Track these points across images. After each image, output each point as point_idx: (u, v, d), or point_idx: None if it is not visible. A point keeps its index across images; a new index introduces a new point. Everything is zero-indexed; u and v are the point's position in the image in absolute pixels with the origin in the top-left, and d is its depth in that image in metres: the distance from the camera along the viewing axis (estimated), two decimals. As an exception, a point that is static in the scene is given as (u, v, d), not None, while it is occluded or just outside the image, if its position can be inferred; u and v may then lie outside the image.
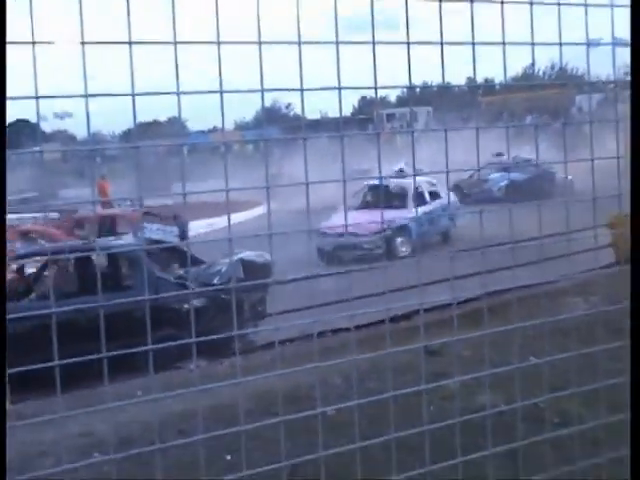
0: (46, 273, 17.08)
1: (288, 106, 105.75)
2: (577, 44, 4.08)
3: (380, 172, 4.08)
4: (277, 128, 77.71)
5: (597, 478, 4.36)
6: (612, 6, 3.96)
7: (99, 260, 16.38)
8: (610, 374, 4.47)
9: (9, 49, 2.75)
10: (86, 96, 2.84)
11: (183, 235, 21.21)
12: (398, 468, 3.82)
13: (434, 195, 33.77)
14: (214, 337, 3.57)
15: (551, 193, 35.18)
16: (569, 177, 27.83)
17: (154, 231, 19.02)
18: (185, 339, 3.56)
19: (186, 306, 14.39)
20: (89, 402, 4.03)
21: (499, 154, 30.86)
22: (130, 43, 2.88)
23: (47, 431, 6.37)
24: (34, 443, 7.15)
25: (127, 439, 7.07)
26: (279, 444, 3.58)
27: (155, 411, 5.62)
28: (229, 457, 5.67)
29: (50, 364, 3.15)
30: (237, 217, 31.12)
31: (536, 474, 4.18)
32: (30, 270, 17.64)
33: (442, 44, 3.56)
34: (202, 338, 3.48)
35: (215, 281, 16.13)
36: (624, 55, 4.28)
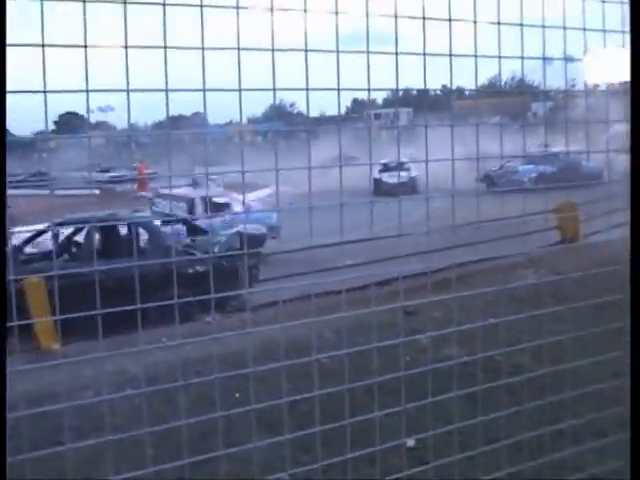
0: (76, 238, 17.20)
1: (292, 105, 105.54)
2: (535, 59, 4.09)
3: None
4: (283, 123, 77.58)
5: (541, 419, 4.39)
6: (564, 28, 3.96)
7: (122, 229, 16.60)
8: (554, 333, 4.49)
9: (65, 51, 2.76)
10: (127, 91, 2.84)
11: (190, 210, 21.36)
12: (378, 407, 3.86)
13: (217, 207, 25.38)
14: (230, 294, 3.59)
15: (578, 181, 32.05)
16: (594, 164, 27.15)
17: (166, 206, 19.12)
18: (190, 297, 3.60)
19: (191, 270, 14.39)
20: (123, 346, 4.06)
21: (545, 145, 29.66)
22: (165, 48, 2.89)
23: (89, 369, 6.37)
24: (78, 377, 7.15)
25: (154, 377, 7.08)
26: (280, 385, 3.60)
27: (178, 355, 5.63)
28: (238, 395, 5.69)
29: (81, 314, 3.20)
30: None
31: (492, 413, 4.21)
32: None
33: (425, 55, 3.57)
34: (221, 294, 3.51)
35: (216, 250, 16.10)
36: (573, 70, 4.30)
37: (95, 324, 3.27)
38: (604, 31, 3.96)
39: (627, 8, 3.74)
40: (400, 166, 34.65)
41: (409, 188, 30.88)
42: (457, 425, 4.08)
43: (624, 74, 3.90)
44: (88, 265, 3.65)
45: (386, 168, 39.77)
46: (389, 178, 38.27)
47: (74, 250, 17.10)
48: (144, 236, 16.78)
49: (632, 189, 3.64)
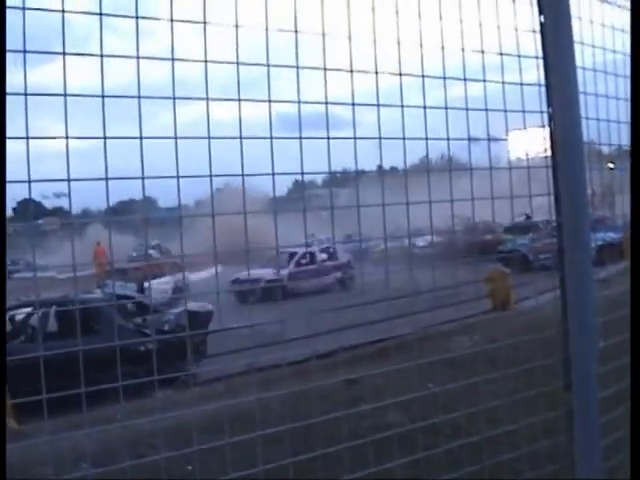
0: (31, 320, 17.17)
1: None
2: (460, 140, 4.12)
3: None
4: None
5: (481, 478, 4.32)
6: (487, 110, 4.00)
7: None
8: (492, 396, 4.45)
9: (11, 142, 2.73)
10: (68, 180, 2.80)
11: (141, 290, 21.36)
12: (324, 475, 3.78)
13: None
14: (176, 375, 3.55)
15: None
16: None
17: (117, 287, 19.09)
18: (142, 374, 3.60)
19: (143, 348, 14.24)
20: (78, 423, 3.99)
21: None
22: (105, 138, 2.85)
23: (47, 446, 6.23)
24: (35, 454, 6.98)
25: (108, 452, 6.91)
26: (228, 456, 3.52)
27: (130, 429, 5.51)
28: (190, 467, 5.57)
29: (40, 396, 3.14)
30: (198, 275, 30.39)
31: (433, 477, 4.13)
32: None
33: (355, 139, 3.58)
34: (173, 374, 3.49)
35: (165, 327, 16.06)
36: (496, 148, 4.36)
37: (52, 403, 3.22)
38: (523, 112, 4.01)
39: (544, 90, 3.80)
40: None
41: None
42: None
43: (543, 150, 3.97)
44: (44, 345, 3.64)
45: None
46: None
47: (30, 331, 17.00)
48: (97, 317, 16.73)
49: (632, 189, 3.65)
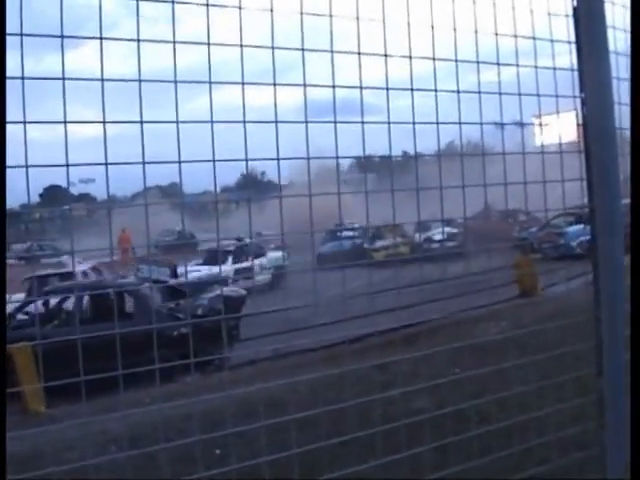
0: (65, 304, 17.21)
1: (262, 174, 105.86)
2: (490, 124, 4.11)
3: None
4: (254, 191, 77.28)
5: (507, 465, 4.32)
6: (520, 94, 3.98)
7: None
8: (519, 382, 4.45)
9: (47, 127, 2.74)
10: (106, 164, 2.81)
11: (173, 275, 21.38)
12: (353, 460, 3.78)
13: None
14: (211, 358, 3.55)
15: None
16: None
17: (150, 271, 19.08)
18: (175, 359, 3.59)
19: (176, 332, 14.24)
20: (107, 407, 4.01)
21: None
22: (142, 122, 2.86)
23: (74, 429, 6.29)
24: (64, 439, 7.03)
25: (137, 436, 6.95)
26: (259, 441, 3.54)
27: (160, 413, 5.54)
28: (218, 451, 5.59)
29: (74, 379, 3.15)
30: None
31: (461, 463, 4.13)
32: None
33: (389, 124, 3.58)
34: (203, 358, 3.48)
35: (199, 312, 16.06)
36: (525, 133, 4.33)
37: (82, 386, 3.24)
38: (556, 96, 3.99)
39: (576, 75, 3.78)
40: None
41: None
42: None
43: (573, 136, 3.95)
44: (77, 329, 3.66)
45: None
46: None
47: (63, 316, 17.06)
48: (131, 301, 16.76)
49: (632, 189, 3.64)
